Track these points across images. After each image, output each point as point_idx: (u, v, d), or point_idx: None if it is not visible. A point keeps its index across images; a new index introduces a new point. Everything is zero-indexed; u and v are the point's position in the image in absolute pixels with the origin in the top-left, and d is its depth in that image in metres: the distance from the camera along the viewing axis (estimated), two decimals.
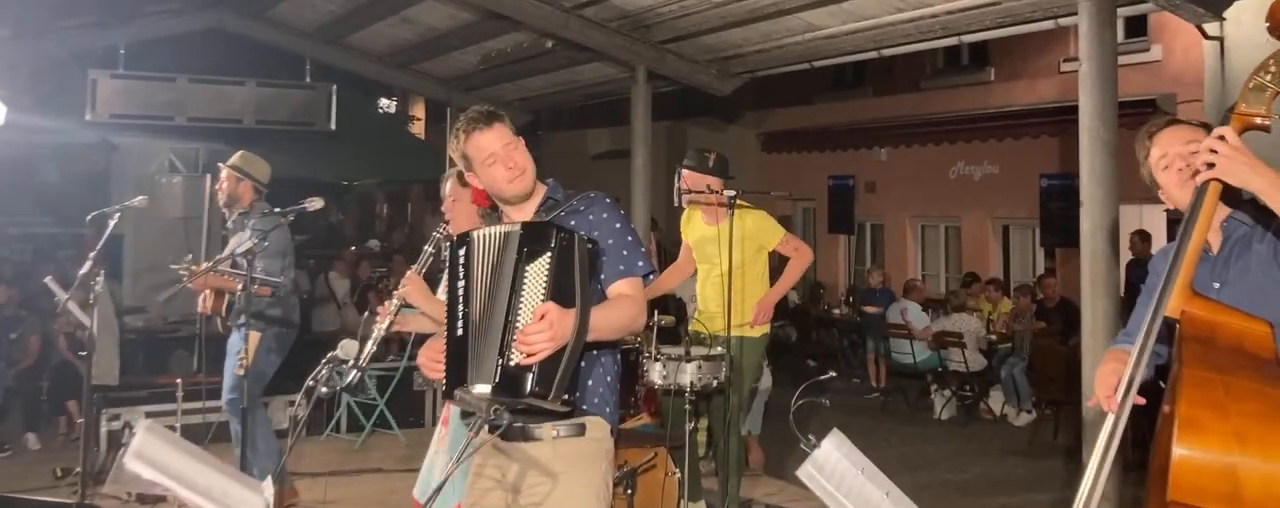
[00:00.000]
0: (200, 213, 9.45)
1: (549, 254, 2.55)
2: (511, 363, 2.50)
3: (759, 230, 5.56)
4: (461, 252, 2.71)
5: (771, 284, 5.72)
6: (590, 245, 2.64)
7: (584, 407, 2.72)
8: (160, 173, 10.69)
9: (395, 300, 3.79)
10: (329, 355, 3.58)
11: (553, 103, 13.19)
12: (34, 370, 8.31)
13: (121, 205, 5.23)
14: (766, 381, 7.07)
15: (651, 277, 2.89)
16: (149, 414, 6.68)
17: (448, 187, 4.08)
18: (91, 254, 5.05)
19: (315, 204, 5.51)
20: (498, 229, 2.70)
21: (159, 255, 9.94)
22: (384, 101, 23.04)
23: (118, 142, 11.17)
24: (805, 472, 2.74)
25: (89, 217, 5.41)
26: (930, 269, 14.27)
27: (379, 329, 3.76)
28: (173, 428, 5.57)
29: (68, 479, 6.40)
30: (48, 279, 5.69)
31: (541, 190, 2.90)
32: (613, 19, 8.82)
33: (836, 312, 13.01)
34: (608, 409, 2.79)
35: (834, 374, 9.77)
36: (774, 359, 7.23)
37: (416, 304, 3.84)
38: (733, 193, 5.28)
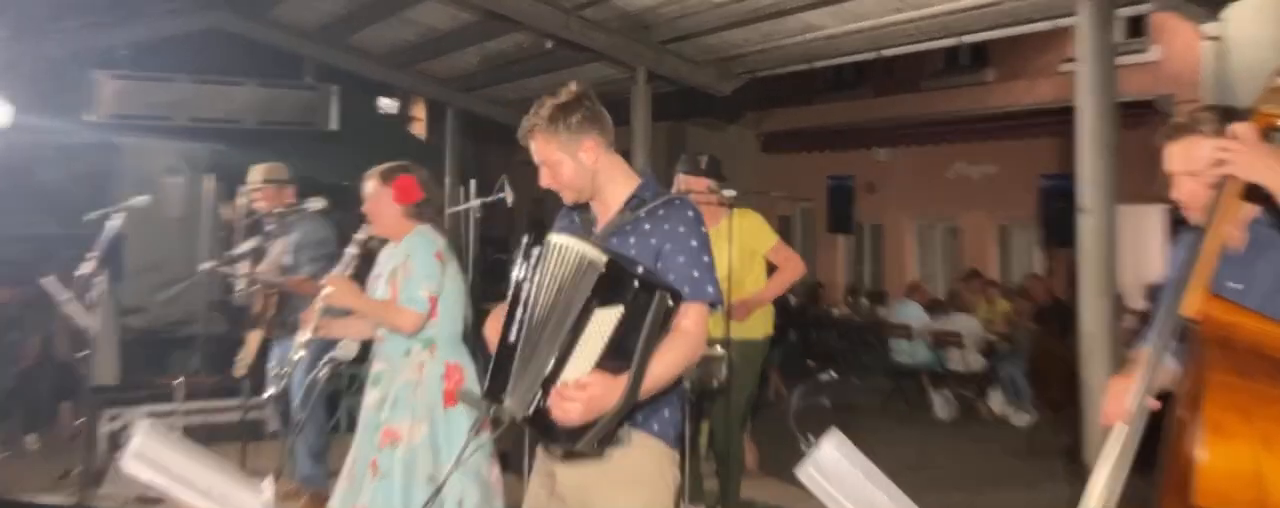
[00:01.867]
0: (201, 213, 9.45)
1: (622, 308, 2.36)
2: (546, 406, 2.38)
3: (753, 233, 5.56)
4: (536, 251, 2.52)
5: None
6: (671, 304, 2.42)
7: (628, 425, 2.56)
8: (161, 173, 10.69)
9: (319, 305, 3.73)
10: (328, 356, 3.60)
11: None
12: (34, 371, 8.31)
13: (123, 205, 5.24)
14: None
15: (719, 308, 2.68)
16: (149, 415, 6.68)
17: (369, 186, 3.97)
18: (92, 255, 5.05)
19: (316, 204, 5.56)
20: (579, 249, 2.43)
21: (160, 255, 9.95)
22: (385, 102, 23.04)
23: (119, 142, 11.16)
24: (805, 472, 2.74)
25: (90, 216, 5.42)
26: (929, 269, 14.28)
27: (302, 337, 3.73)
28: (172, 429, 5.57)
29: (67, 480, 6.40)
30: (48, 279, 5.71)
31: (633, 183, 2.73)
32: (613, 19, 8.83)
33: (836, 312, 13.02)
34: (655, 426, 2.65)
35: (833, 374, 9.79)
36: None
37: (348, 305, 3.76)
38: (732, 193, 5.29)
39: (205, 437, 5.65)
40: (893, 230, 14.78)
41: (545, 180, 2.72)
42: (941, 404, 9.96)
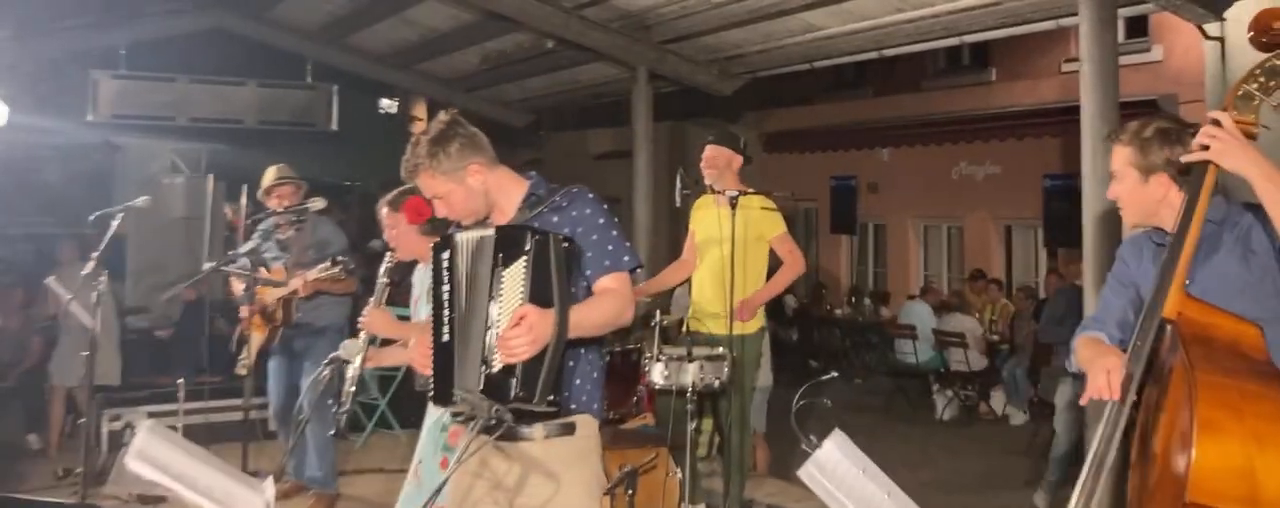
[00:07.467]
0: (202, 213, 9.45)
1: (525, 258, 2.53)
2: (495, 369, 2.51)
3: (763, 218, 5.52)
4: (444, 255, 2.70)
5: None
6: (567, 244, 2.60)
7: (572, 406, 2.71)
8: (162, 173, 10.69)
9: (362, 338, 3.76)
10: (330, 356, 3.59)
11: (554, 103, 13.19)
12: (35, 371, 8.30)
13: (124, 206, 5.23)
14: (767, 378, 7.06)
15: (639, 270, 2.85)
16: (151, 414, 6.67)
17: (383, 217, 4.00)
18: (94, 255, 5.05)
19: (317, 204, 5.55)
20: (475, 233, 2.68)
21: (161, 256, 9.95)
22: (385, 102, 23.05)
23: (119, 142, 11.17)
24: (807, 472, 2.74)
25: (92, 217, 5.42)
26: (933, 270, 14.26)
27: (353, 370, 3.75)
28: (174, 428, 5.56)
29: (69, 480, 6.40)
30: (50, 280, 5.70)
31: (523, 186, 2.83)
32: (613, 19, 8.83)
33: (839, 312, 13.01)
34: (594, 406, 2.78)
35: (836, 374, 9.77)
36: (776, 359, 7.23)
37: (385, 334, 3.80)
38: (734, 192, 5.28)
39: (206, 437, 5.65)
40: (896, 231, 14.76)
41: (441, 212, 2.82)
42: (943, 405, 9.95)
